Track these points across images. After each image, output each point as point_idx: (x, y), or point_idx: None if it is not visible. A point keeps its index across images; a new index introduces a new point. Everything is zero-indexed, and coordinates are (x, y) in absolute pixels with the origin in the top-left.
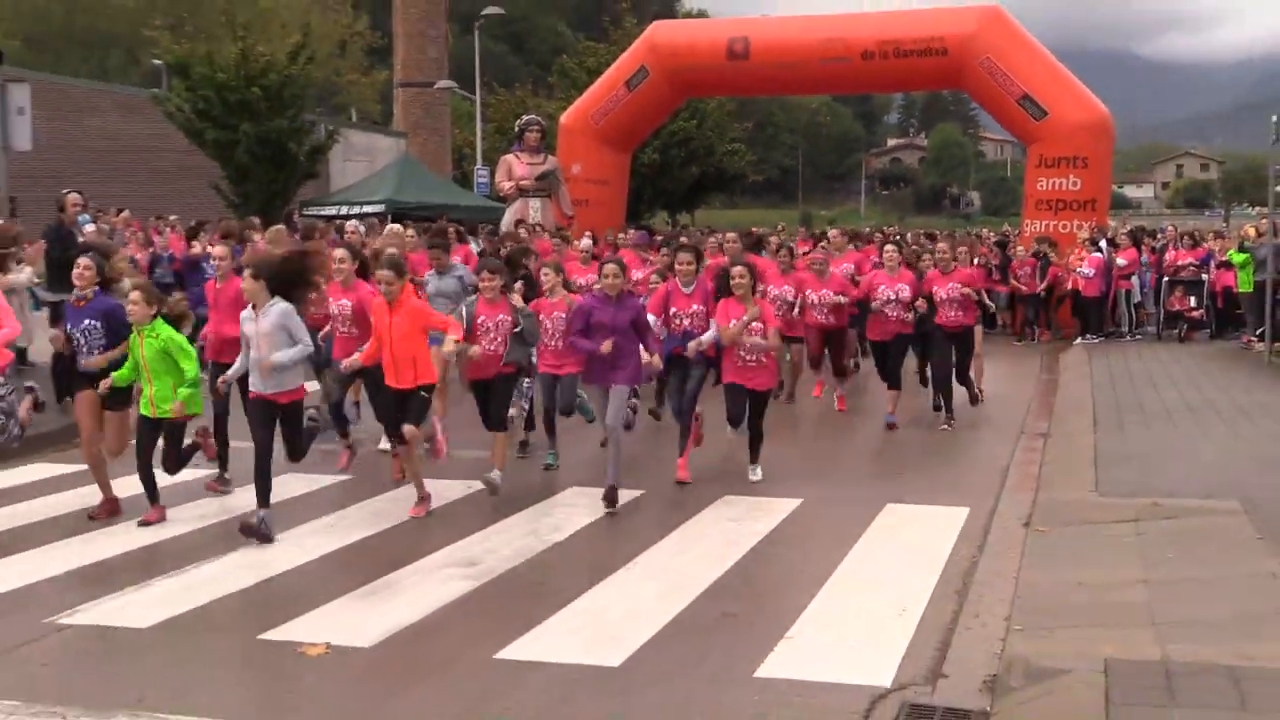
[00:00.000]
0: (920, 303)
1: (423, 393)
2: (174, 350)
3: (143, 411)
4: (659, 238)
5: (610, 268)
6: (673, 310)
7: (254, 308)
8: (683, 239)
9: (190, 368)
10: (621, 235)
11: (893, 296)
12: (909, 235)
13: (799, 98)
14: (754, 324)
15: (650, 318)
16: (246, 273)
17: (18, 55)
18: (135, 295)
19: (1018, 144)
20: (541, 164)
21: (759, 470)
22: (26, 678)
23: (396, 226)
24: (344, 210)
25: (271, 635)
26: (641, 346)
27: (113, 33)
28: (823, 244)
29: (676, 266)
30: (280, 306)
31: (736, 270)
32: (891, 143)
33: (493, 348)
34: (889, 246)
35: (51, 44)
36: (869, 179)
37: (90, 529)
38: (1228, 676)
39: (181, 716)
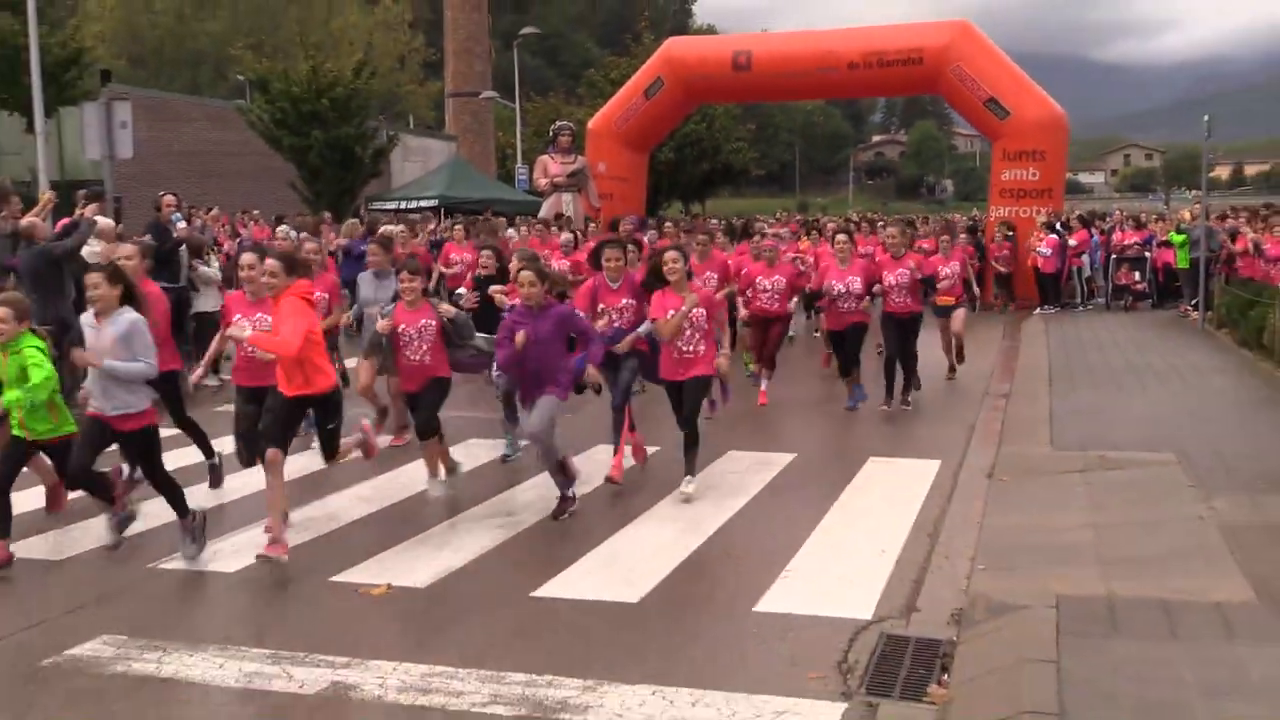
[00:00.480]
0: (877, 286)
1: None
2: (26, 363)
3: (15, 433)
4: (668, 224)
5: (525, 275)
6: (600, 306)
7: (97, 316)
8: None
9: (38, 377)
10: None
11: (843, 289)
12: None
13: (795, 102)
14: (694, 311)
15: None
16: (99, 278)
17: (122, 73)
18: (1, 312)
19: (985, 139)
20: (572, 163)
21: (694, 482)
22: (132, 615)
23: (283, 228)
24: (403, 205)
25: (339, 578)
26: (588, 357)
27: (202, 52)
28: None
29: (603, 263)
30: (130, 316)
31: (669, 255)
32: (876, 139)
33: (417, 358)
34: (840, 236)
35: (150, 62)
36: (856, 171)
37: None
38: (1161, 609)
39: (263, 649)
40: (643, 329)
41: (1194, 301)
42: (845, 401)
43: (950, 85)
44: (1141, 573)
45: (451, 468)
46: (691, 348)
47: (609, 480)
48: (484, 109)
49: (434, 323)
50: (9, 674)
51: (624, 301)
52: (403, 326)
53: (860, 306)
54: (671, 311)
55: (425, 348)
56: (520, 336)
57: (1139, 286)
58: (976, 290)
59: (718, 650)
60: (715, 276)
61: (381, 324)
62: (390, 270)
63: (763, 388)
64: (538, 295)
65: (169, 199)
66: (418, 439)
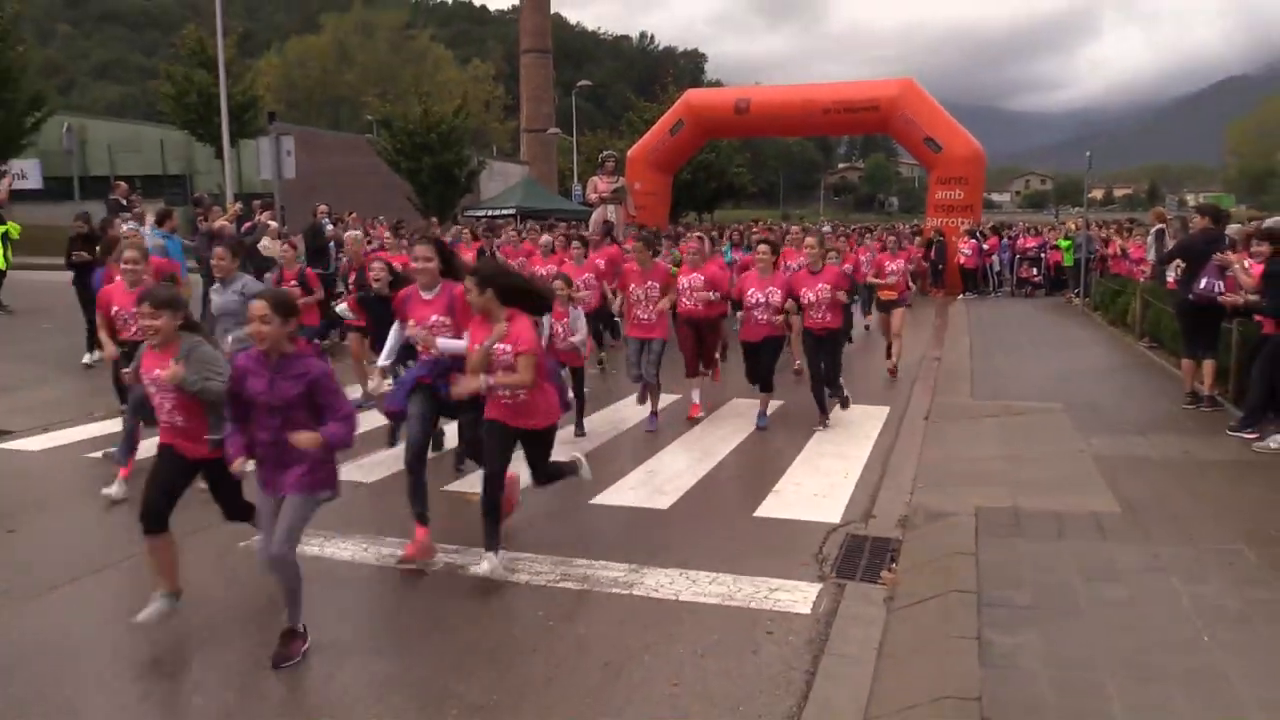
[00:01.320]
0: (789, 304)
1: None
2: None
3: None
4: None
5: (257, 306)
6: (410, 321)
7: None
8: (431, 233)
9: None
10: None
11: (762, 300)
12: (846, 228)
13: (782, 138)
14: (499, 347)
15: (393, 331)
16: None
17: (282, 114)
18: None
19: (924, 167)
20: (615, 183)
21: (493, 560)
22: None
23: (131, 224)
24: (489, 213)
25: (449, 488)
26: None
27: (341, 98)
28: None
29: (413, 265)
30: None
31: (466, 284)
32: (841, 166)
33: (167, 420)
34: (762, 246)
35: (303, 105)
36: (826, 190)
37: None
38: (1053, 518)
39: (395, 538)
40: (451, 344)
41: (1076, 291)
42: (756, 420)
43: (897, 127)
44: (1038, 491)
45: (176, 591)
46: (508, 392)
47: (404, 561)
48: (549, 141)
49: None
50: (214, 554)
51: (435, 318)
52: (154, 371)
53: (773, 319)
54: (479, 345)
55: (168, 406)
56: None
57: (1036, 279)
58: (913, 286)
59: (727, 543)
60: (656, 285)
61: (126, 373)
62: (236, 277)
63: (694, 400)
64: (273, 337)
65: (322, 207)
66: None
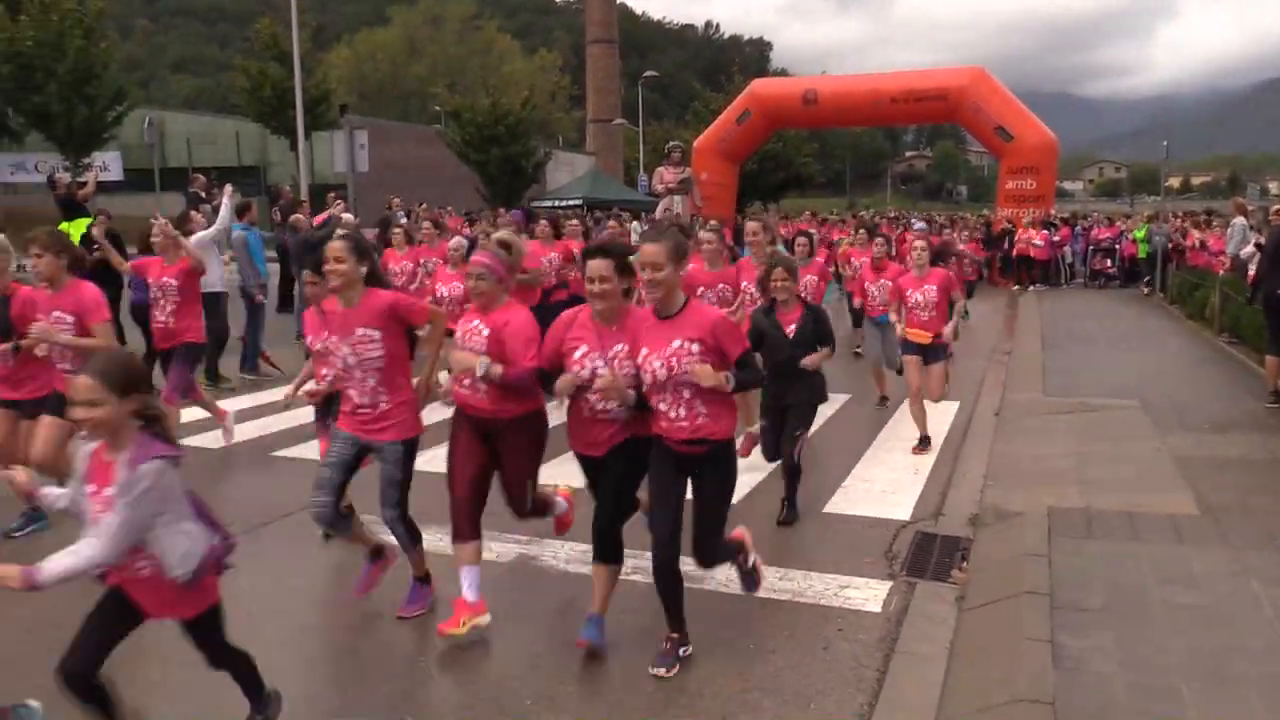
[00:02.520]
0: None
1: None
2: None
3: None
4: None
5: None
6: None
7: None
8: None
9: None
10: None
11: (585, 371)
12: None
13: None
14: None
15: None
16: None
17: (354, 106)
18: None
19: (994, 156)
20: (682, 173)
21: None
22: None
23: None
24: (556, 203)
25: None
26: None
27: (411, 91)
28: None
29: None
30: None
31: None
32: (908, 154)
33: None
34: (594, 264)
35: (373, 97)
36: (893, 178)
37: None
38: (1126, 518)
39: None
40: None
41: (1149, 281)
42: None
43: (967, 116)
44: (1112, 491)
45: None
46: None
47: None
48: (615, 132)
49: None
50: (308, 537)
51: None
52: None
53: (609, 407)
54: None
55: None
56: None
57: (1110, 270)
58: (964, 311)
59: (797, 540)
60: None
61: None
62: None
63: (466, 590)
64: None
65: (396, 200)
66: None
